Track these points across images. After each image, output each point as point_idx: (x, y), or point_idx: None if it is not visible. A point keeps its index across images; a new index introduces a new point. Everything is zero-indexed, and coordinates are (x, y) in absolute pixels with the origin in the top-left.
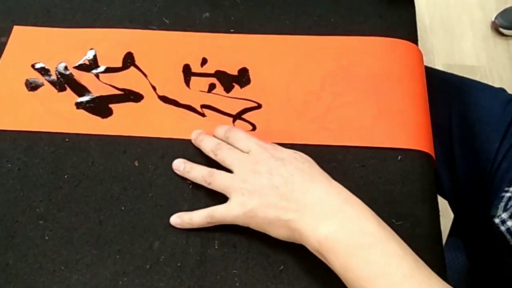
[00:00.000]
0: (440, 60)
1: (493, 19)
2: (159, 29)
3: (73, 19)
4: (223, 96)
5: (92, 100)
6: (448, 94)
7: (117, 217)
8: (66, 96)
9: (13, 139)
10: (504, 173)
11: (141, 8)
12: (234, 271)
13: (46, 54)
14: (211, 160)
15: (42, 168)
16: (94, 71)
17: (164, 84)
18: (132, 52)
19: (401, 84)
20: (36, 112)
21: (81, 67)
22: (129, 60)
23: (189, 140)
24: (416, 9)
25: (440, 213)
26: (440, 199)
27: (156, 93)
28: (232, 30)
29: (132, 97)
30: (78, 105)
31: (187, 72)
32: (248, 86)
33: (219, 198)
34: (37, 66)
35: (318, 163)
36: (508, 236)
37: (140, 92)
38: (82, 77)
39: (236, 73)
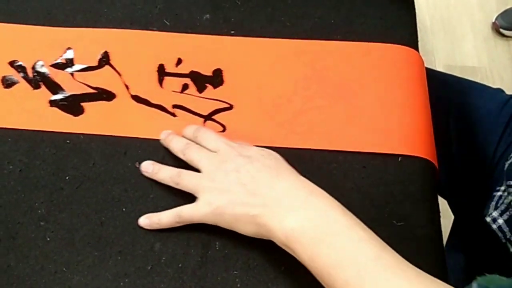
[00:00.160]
0: (441, 61)
1: (493, 20)
2: (159, 31)
3: (74, 21)
4: (195, 96)
5: (66, 98)
6: (446, 95)
7: (118, 219)
8: (41, 94)
9: (14, 140)
10: (500, 173)
11: (142, 9)
12: (235, 272)
13: (23, 52)
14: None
15: (43, 170)
16: (70, 69)
17: (137, 84)
18: (108, 51)
19: (396, 90)
20: (10, 109)
21: (57, 66)
22: (104, 59)
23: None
24: (417, 10)
25: (441, 213)
26: (441, 200)
27: (129, 93)
28: (232, 32)
29: (104, 95)
30: (52, 103)
31: (161, 72)
32: (221, 87)
33: None
34: (15, 64)
35: (318, 165)
36: (499, 234)
37: (113, 91)
38: (57, 76)
39: (210, 74)
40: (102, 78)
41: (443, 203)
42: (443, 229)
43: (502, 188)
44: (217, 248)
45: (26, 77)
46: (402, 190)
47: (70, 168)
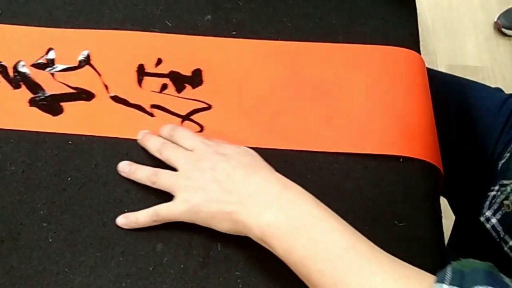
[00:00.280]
0: (443, 61)
1: (495, 20)
2: (161, 32)
3: (76, 22)
4: (174, 96)
5: (45, 98)
6: (445, 95)
7: None
8: (21, 93)
9: (16, 141)
10: (495, 172)
11: (144, 10)
12: (236, 273)
13: (5, 52)
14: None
15: (45, 171)
16: (50, 69)
17: (116, 84)
18: (89, 51)
19: (397, 92)
20: None
21: (38, 65)
22: (85, 59)
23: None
24: (418, 10)
25: (442, 214)
26: (442, 200)
27: (108, 92)
28: (234, 33)
29: (83, 95)
30: (31, 103)
31: (141, 72)
32: (200, 87)
33: None
34: None
35: (319, 165)
36: (493, 234)
37: (92, 91)
38: (38, 75)
39: (190, 74)
40: (82, 78)
41: (443, 203)
42: (444, 229)
43: (496, 187)
44: (219, 249)
45: (6, 77)
46: (403, 191)
47: (72, 169)
